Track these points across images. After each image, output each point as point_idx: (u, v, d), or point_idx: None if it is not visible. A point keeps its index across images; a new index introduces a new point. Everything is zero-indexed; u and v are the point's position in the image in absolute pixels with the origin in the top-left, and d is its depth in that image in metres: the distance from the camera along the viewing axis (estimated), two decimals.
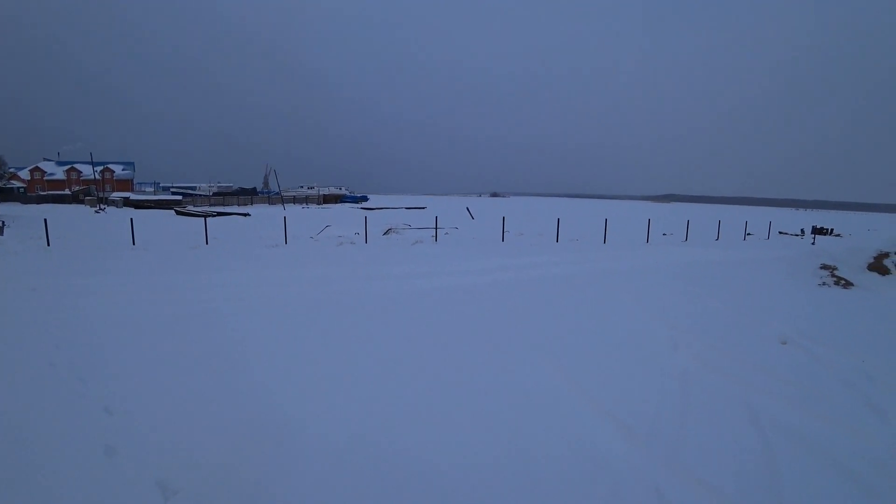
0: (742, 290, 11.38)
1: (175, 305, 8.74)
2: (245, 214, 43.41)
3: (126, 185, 77.13)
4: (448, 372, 5.73)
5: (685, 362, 6.23)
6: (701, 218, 50.21)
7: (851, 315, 8.99)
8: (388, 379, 5.49)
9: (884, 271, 12.44)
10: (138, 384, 5.15)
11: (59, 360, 5.81)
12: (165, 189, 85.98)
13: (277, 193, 78.59)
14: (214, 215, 39.39)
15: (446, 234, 25.84)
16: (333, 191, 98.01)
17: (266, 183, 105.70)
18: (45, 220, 19.21)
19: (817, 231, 33.65)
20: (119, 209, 50.77)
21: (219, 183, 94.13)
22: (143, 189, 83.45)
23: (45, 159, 78.28)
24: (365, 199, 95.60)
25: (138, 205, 54.60)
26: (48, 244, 17.38)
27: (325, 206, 74.91)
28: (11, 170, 65.51)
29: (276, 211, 52.56)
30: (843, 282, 11.87)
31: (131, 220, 20.58)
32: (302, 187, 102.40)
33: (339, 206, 75.49)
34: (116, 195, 59.56)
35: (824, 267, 12.98)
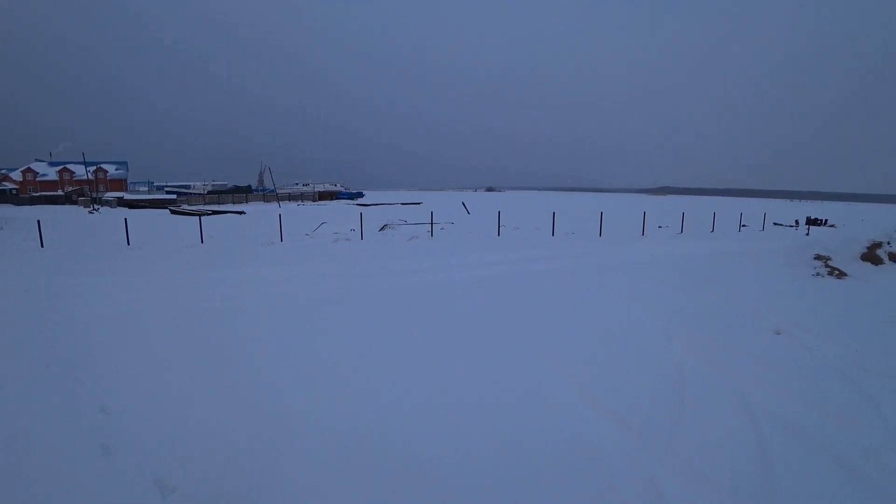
0: (736, 281, 11.44)
1: (170, 304, 8.72)
2: (240, 213, 43.29)
3: (119, 184, 76.62)
4: (444, 366, 5.75)
5: (679, 354, 6.27)
6: (696, 210, 50.37)
7: (845, 305, 9.05)
8: (384, 374, 5.50)
9: (877, 261, 12.53)
10: (134, 383, 5.15)
11: (55, 360, 5.80)
12: (160, 188, 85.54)
13: (272, 191, 78.36)
14: (209, 214, 39.25)
15: (442, 229, 25.83)
16: (329, 187, 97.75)
17: (261, 180, 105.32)
18: (39, 221, 19.11)
19: (811, 222, 33.81)
20: (113, 209, 50.48)
21: (213, 181, 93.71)
22: (136, 188, 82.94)
23: (36, 160, 77.65)
24: (360, 195, 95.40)
25: (132, 204, 54.29)
26: (42, 245, 17.29)
27: (320, 202, 74.75)
28: (3, 171, 65.12)
29: (272, 208, 52.40)
30: (836, 272, 11.94)
31: (125, 220, 20.46)
32: (297, 184, 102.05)
33: (334, 202, 75.32)
34: (110, 195, 59.17)
35: (818, 257, 13.05)
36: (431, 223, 24.63)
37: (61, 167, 75.15)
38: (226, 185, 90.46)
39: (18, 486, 3.38)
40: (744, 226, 30.77)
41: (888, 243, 12.89)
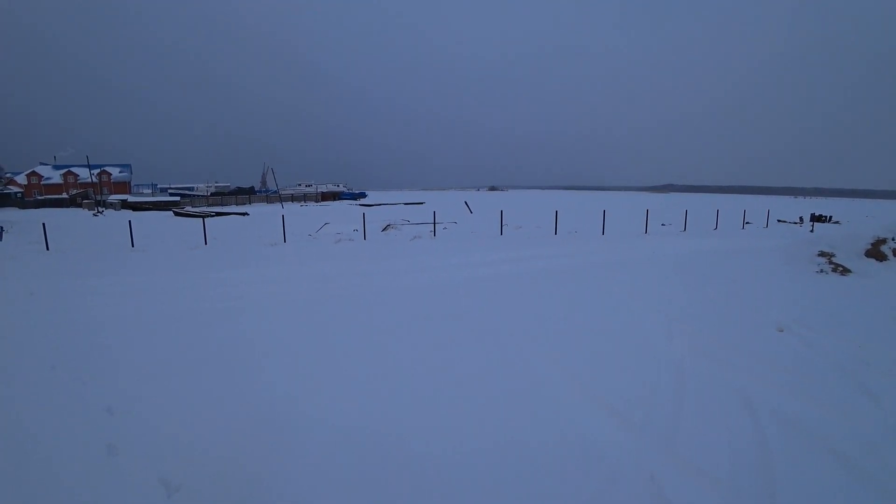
0: (739, 278, 11.42)
1: (174, 305, 8.77)
2: (243, 214, 43.42)
3: (123, 187, 76.99)
4: (446, 364, 5.77)
5: (680, 351, 6.28)
6: (699, 208, 50.23)
7: (849, 301, 9.03)
8: (387, 373, 5.53)
9: (881, 257, 12.48)
10: (139, 384, 5.19)
11: (60, 362, 5.85)
12: (163, 190, 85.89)
13: (275, 192, 78.53)
14: (213, 215, 39.39)
15: (445, 228, 25.86)
16: (331, 188, 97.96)
17: (264, 182, 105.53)
18: (44, 224, 19.22)
19: (816, 219, 33.65)
20: (117, 212, 50.73)
21: (216, 183, 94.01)
22: (140, 191, 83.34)
23: (41, 163, 78.08)
24: (363, 195, 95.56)
25: (136, 207, 54.54)
26: (47, 248, 17.41)
27: (323, 203, 74.90)
28: (8, 175, 65.49)
29: (275, 209, 52.55)
30: (840, 268, 11.90)
31: (129, 222, 20.59)
32: (300, 185, 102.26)
33: (337, 203, 75.47)
34: (114, 198, 59.43)
35: (822, 254, 13.01)
36: (434, 223, 24.66)
37: (66, 170, 75.54)
38: (229, 186, 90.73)
39: (26, 486, 3.42)
40: (747, 223, 30.68)
41: (893, 239, 12.84)
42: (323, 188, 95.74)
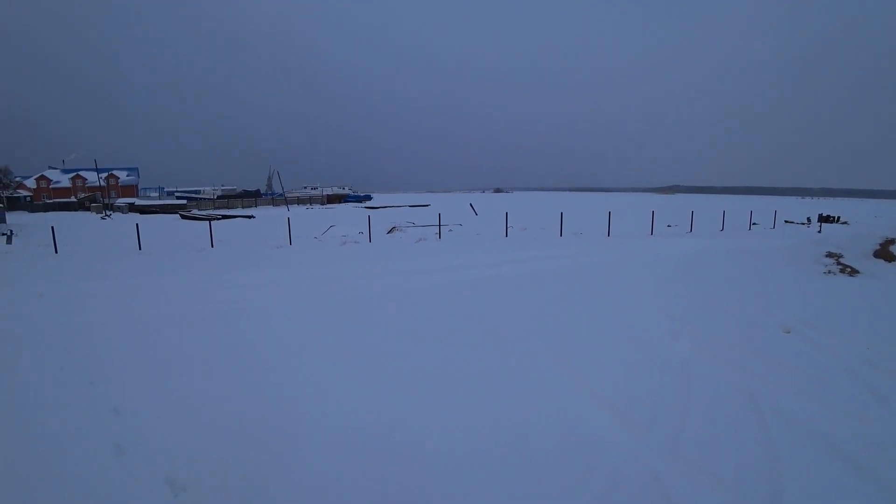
0: (746, 279, 11.35)
1: (181, 307, 8.84)
2: (249, 217, 43.63)
3: (131, 190, 77.66)
4: (450, 365, 5.78)
5: (686, 352, 6.25)
6: (706, 209, 49.96)
7: (857, 302, 8.95)
8: (391, 373, 5.54)
9: (890, 258, 12.36)
10: (146, 385, 5.23)
11: (69, 363, 5.91)
12: (170, 193, 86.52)
13: (281, 195, 78.88)
14: (219, 218, 39.61)
15: (450, 230, 25.88)
16: (337, 190, 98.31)
17: (269, 185, 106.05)
18: (53, 227, 19.43)
19: (823, 219, 33.39)
20: (125, 215, 51.14)
21: (223, 186, 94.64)
22: (147, 194, 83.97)
23: (50, 167, 78.93)
24: (368, 198, 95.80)
25: (143, 210, 54.98)
26: (56, 251, 17.58)
27: (328, 206, 75.16)
28: (17, 179, 66.15)
29: (280, 212, 52.77)
30: (848, 269, 11.80)
31: (137, 225, 20.75)
32: (305, 188, 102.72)
33: (342, 205, 75.71)
34: (122, 201, 59.95)
35: (829, 255, 12.90)
36: (439, 225, 24.68)
37: (74, 174, 76.32)
38: (235, 189, 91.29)
39: (35, 485, 3.46)
40: (754, 224, 30.50)
41: None
42: (328, 191, 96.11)
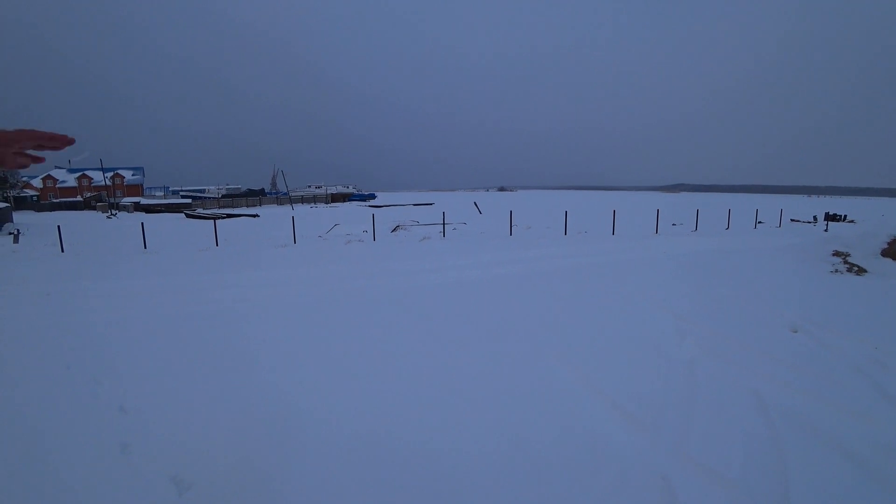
0: (752, 278, 11.28)
1: (186, 306, 8.87)
2: (254, 215, 43.77)
3: (136, 189, 78.06)
4: (455, 364, 5.77)
5: (692, 351, 6.22)
6: (711, 207, 49.74)
7: (864, 302, 8.89)
8: (396, 373, 5.54)
9: None
10: (152, 384, 5.25)
11: (75, 362, 5.94)
12: (175, 193, 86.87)
13: (286, 194, 79.07)
14: (224, 217, 39.75)
15: (454, 229, 25.86)
16: (341, 189, 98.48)
17: (274, 184, 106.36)
18: (59, 227, 19.53)
19: (830, 218, 33.17)
20: (130, 214, 51.39)
21: (227, 185, 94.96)
22: (152, 193, 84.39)
23: (56, 167, 79.41)
24: (373, 196, 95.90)
25: (149, 209, 55.22)
26: (62, 250, 17.68)
27: (333, 205, 75.28)
28: (24, 179, 66.60)
29: (285, 211, 52.89)
30: (855, 268, 11.72)
31: (142, 224, 20.85)
32: (310, 187, 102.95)
33: (346, 204, 75.80)
34: (127, 200, 60.25)
35: (837, 253, 12.82)
36: (443, 223, 24.68)
37: (80, 174, 76.75)
38: (239, 188, 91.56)
39: (41, 483, 3.48)
40: (760, 222, 30.33)
41: None
42: (333, 190, 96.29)
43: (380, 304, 8.97)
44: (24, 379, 5.43)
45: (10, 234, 23.68)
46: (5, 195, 49.08)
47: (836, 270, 11.85)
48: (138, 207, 56.18)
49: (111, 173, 74.08)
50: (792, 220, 34.15)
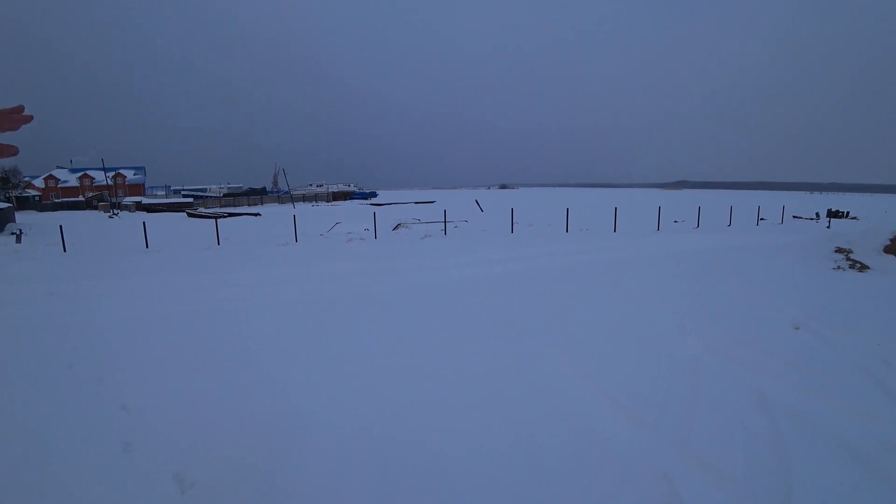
0: (754, 275, 11.26)
1: (188, 305, 8.88)
2: (255, 214, 43.82)
3: (138, 189, 78.16)
4: (456, 362, 5.77)
5: (694, 349, 6.21)
6: (713, 204, 49.64)
7: (867, 299, 8.86)
8: (398, 372, 5.54)
9: None
10: (154, 382, 5.27)
11: (78, 361, 5.95)
12: (176, 192, 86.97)
13: (287, 192, 79.09)
14: (225, 216, 39.79)
15: (455, 227, 25.85)
16: (342, 188, 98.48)
17: (275, 182, 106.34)
18: (61, 226, 19.58)
19: (832, 214, 33.07)
20: (132, 213, 51.46)
21: (229, 184, 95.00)
22: (154, 193, 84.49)
23: (58, 167, 79.55)
24: (374, 195, 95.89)
25: (150, 208, 55.28)
26: (64, 250, 17.72)
27: (334, 203, 75.29)
28: (26, 179, 66.77)
29: (286, 210, 52.92)
30: (858, 265, 11.68)
31: (144, 223, 20.88)
32: (311, 185, 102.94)
33: (348, 202, 75.80)
34: (129, 200, 60.32)
35: (839, 250, 12.78)
36: (445, 221, 24.67)
37: (82, 173, 76.86)
38: (241, 187, 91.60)
39: (44, 481, 3.49)
40: (762, 219, 30.25)
41: None
42: (334, 188, 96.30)
43: (381, 303, 8.97)
44: (26, 378, 5.45)
45: (13, 233, 23.74)
46: (7, 195, 49.21)
47: (839, 267, 11.82)
48: (140, 207, 56.24)
49: (113, 173, 74.14)
50: (794, 216, 34.07)
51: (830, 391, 4.91)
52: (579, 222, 27.08)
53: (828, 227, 24.78)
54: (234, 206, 62.55)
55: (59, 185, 75.21)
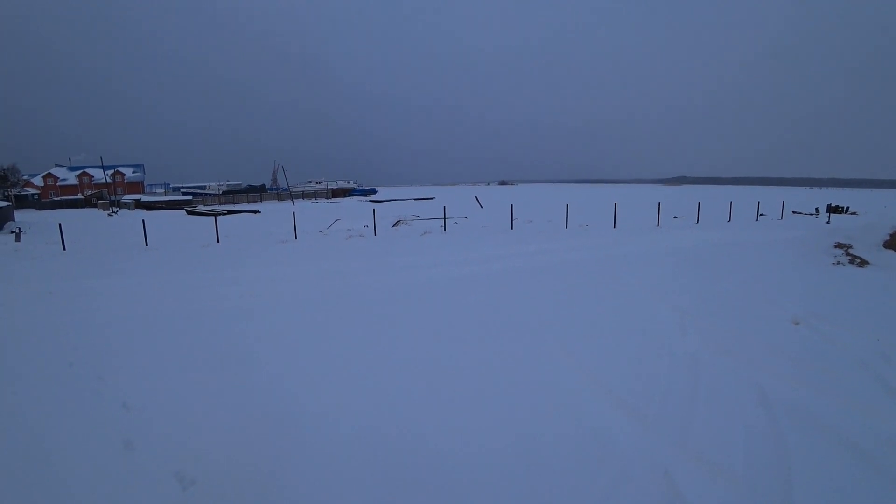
0: (753, 271, 11.26)
1: (188, 303, 8.88)
2: (255, 212, 43.75)
3: (137, 187, 78.02)
4: (457, 360, 5.77)
5: (695, 345, 6.21)
6: (712, 200, 49.56)
7: (866, 294, 8.86)
8: (399, 369, 5.55)
9: None
10: (154, 381, 5.27)
11: (78, 359, 5.95)
12: (176, 190, 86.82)
13: (286, 190, 78.97)
14: (225, 214, 39.74)
15: (455, 223, 25.83)
16: (342, 185, 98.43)
17: (275, 180, 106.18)
18: (60, 225, 19.54)
19: (832, 210, 33.01)
20: (131, 211, 51.39)
21: (228, 181, 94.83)
22: (153, 190, 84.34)
23: (56, 165, 79.35)
24: (373, 191, 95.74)
25: (150, 206, 55.18)
26: (64, 248, 17.69)
27: (333, 200, 75.15)
28: (25, 177, 66.61)
29: (286, 207, 52.85)
30: (858, 260, 11.68)
31: (143, 221, 20.84)
32: (310, 182, 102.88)
33: (347, 199, 75.68)
34: (128, 198, 60.22)
35: (839, 246, 12.78)
36: (444, 218, 24.65)
37: (80, 172, 76.68)
38: (240, 184, 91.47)
39: (46, 479, 3.49)
40: (762, 215, 30.20)
41: None
42: (333, 185, 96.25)
43: (381, 300, 8.96)
44: (27, 376, 5.45)
45: (12, 232, 23.71)
46: (7, 193, 49.12)
47: (839, 262, 11.82)
48: (139, 205, 56.13)
49: (112, 171, 73.95)
50: (794, 212, 34.01)
51: (830, 386, 4.92)
52: (579, 219, 27.05)
53: (827, 222, 24.76)
54: (234, 203, 62.48)
55: (58, 184, 75.04)
